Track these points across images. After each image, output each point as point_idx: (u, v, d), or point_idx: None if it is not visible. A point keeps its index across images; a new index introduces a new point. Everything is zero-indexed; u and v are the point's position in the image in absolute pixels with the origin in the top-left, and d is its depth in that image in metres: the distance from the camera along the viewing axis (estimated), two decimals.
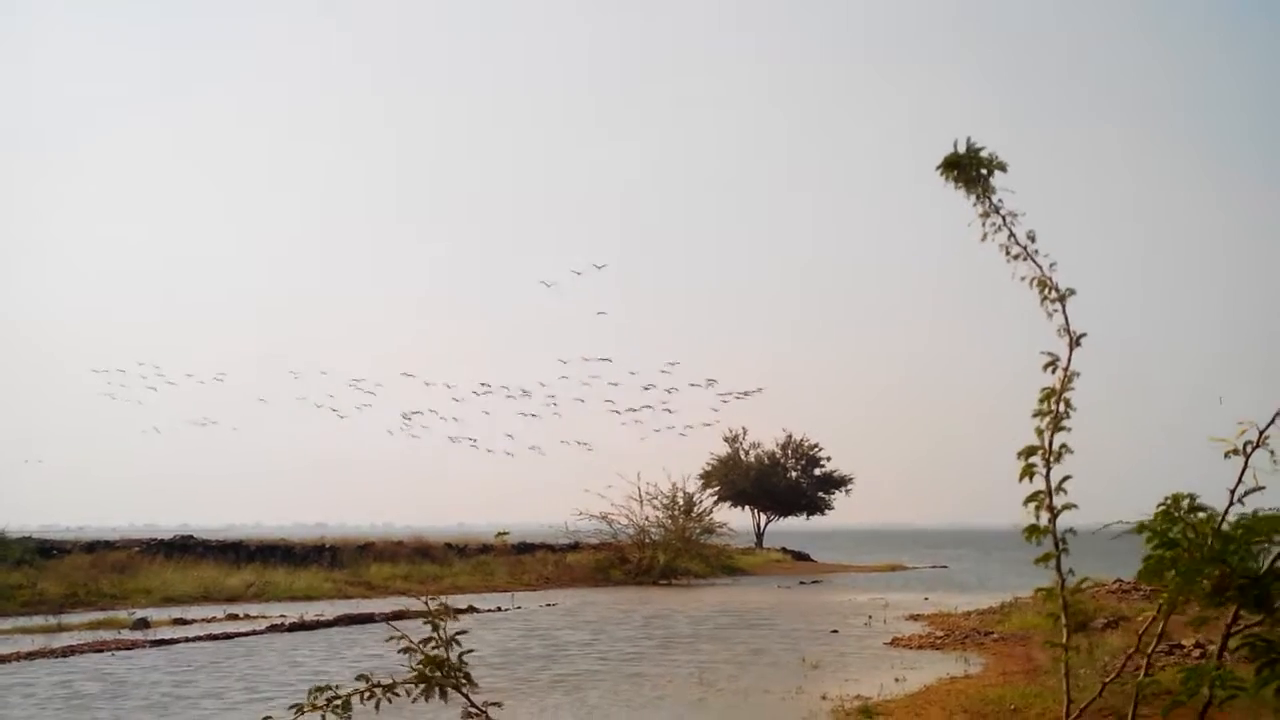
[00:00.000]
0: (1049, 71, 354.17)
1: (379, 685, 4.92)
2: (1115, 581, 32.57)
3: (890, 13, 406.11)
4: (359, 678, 5.06)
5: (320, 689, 4.69)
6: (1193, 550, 3.55)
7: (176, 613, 37.30)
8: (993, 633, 30.15)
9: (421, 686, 4.80)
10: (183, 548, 49.68)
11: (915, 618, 36.22)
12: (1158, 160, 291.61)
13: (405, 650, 4.73)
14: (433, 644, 4.66)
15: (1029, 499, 3.82)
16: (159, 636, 30.83)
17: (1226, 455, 3.75)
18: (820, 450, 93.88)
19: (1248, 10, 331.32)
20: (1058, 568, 3.85)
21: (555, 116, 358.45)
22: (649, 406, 64.19)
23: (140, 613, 35.99)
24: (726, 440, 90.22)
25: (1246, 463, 3.72)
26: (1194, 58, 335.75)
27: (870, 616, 36.45)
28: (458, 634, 4.70)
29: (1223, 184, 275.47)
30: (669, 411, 65.51)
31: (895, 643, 29.08)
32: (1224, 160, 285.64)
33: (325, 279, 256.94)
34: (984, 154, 3.94)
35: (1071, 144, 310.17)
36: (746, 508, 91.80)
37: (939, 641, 29.18)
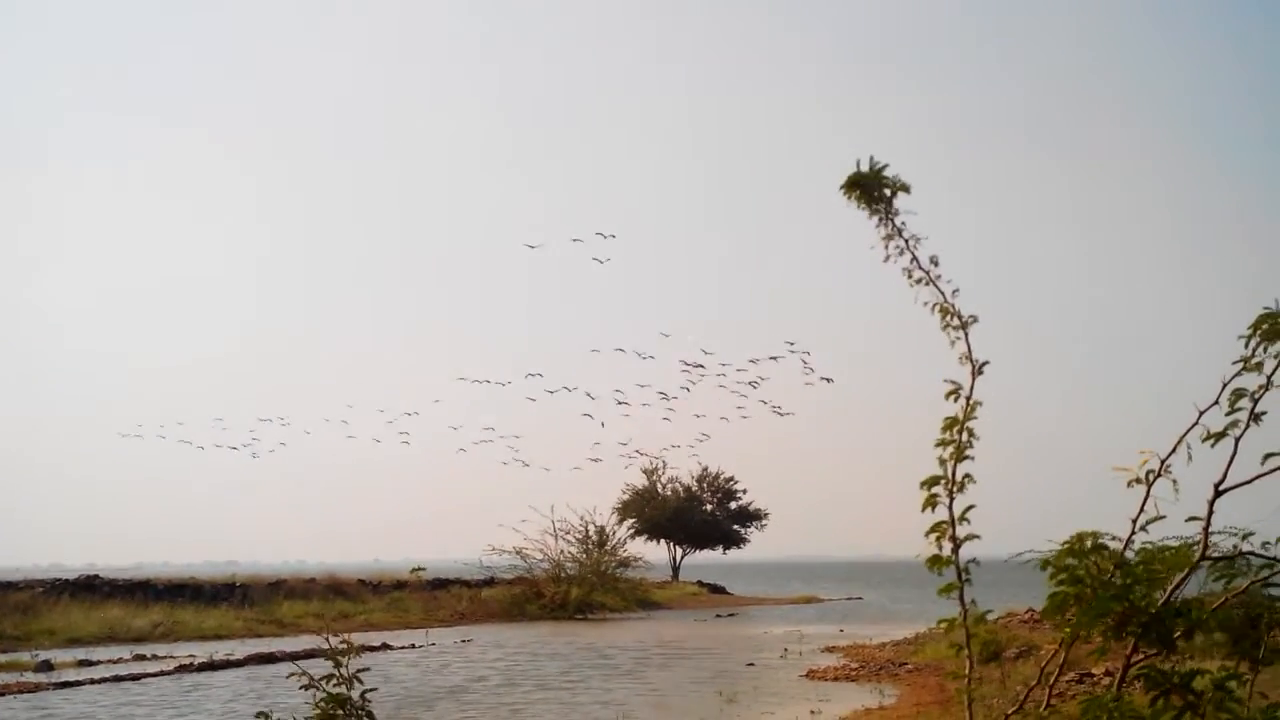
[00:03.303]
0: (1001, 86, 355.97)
1: None
2: (1027, 611, 32.86)
3: (837, 38, 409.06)
4: (259, 715, 4.94)
5: None
6: (1095, 587, 3.55)
7: (81, 654, 36.37)
8: (907, 663, 30.30)
9: None
10: (88, 588, 48.52)
11: (831, 649, 36.33)
12: (1099, 191, 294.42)
13: (307, 687, 4.63)
14: (334, 681, 4.56)
15: (931, 529, 3.80)
16: (63, 679, 30.13)
17: (1129, 484, 3.76)
18: (736, 483, 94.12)
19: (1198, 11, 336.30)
20: (960, 599, 3.84)
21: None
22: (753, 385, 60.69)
23: (44, 654, 35.07)
24: (645, 472, 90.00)
25: (1149, 492, 3.74)
26: (1157, 69, 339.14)
27: (786, 649, 36.46)
28: (359, 671, 4.61)
29: (1177, 217, 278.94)
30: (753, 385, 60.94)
31: (811, 675, 29.12)
32: (1180, 198, 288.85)
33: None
34: (888, 174, 3.90)
35: (1010, 166, 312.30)
36: (662, 541, 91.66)
37: (854, 673, 29.28)
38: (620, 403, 61.56)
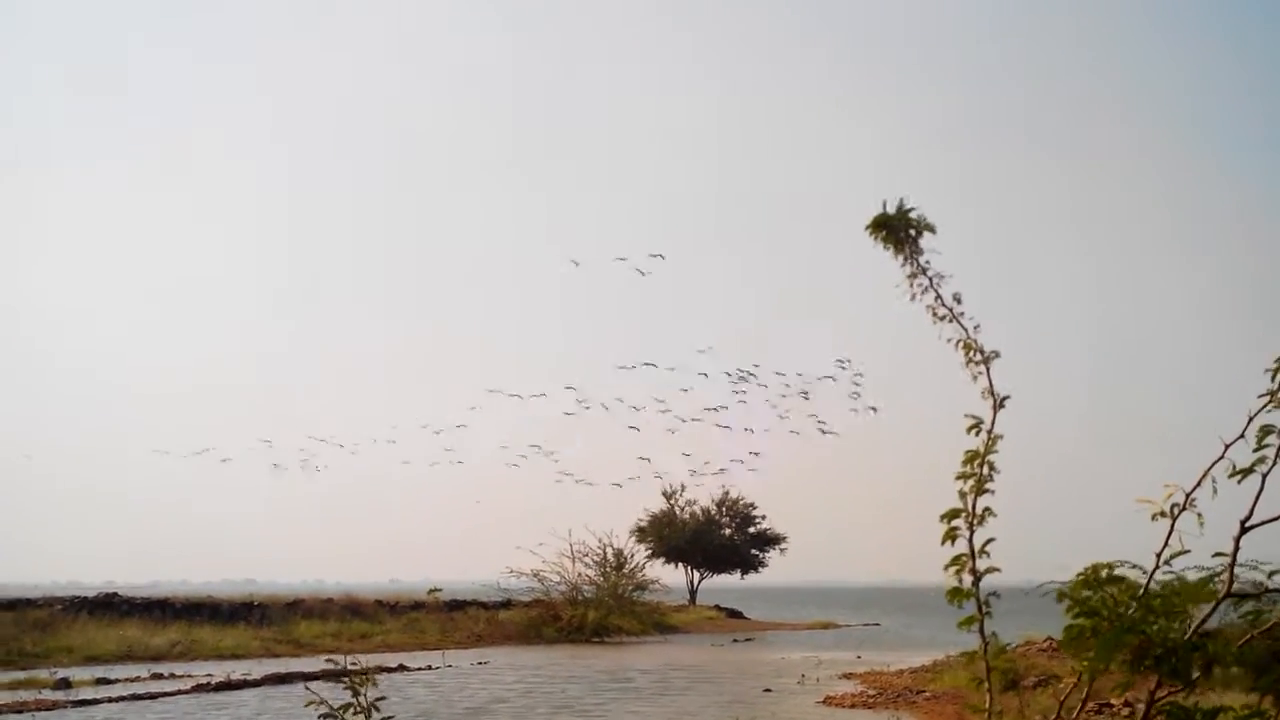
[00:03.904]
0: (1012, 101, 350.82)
1: None
2: (1046, 640, 32.70)
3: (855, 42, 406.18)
4: None
5: None
6: (1112, 619, 3.54)
7: (100, 672, 36.43)
8: (925, 691, 30.17)
9: None
10: (106, 605, 48.75)
11: (848, 676, 36.16)
12: (1125, 214, 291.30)
13: (325, 718, 4.59)
14: (352, 710, 4.52)
15: (951, 562, 3.80)
16: (81, 697, 30.19)
17: (1154, 518, 3.75)
18: (755, 509, 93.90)
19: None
20: (980, 631, 3.83)
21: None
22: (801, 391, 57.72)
23: (62, 672, 35.16)
24: (664, 495, 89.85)
25: (1173, 526, 3.73)
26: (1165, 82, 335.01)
27: (803, 675, 36.32)
28: (377, 700, 4.57)
29: (1190, 253, 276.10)
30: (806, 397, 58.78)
31: (828, 701, 29.01)
32: (1193, 231, 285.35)
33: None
34: (914, 215, 3.92)
35: (1011, 168, 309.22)
36: (680, 564, 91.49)
37: (871, 700, 29.15)
38: (663, 411, 60.52)
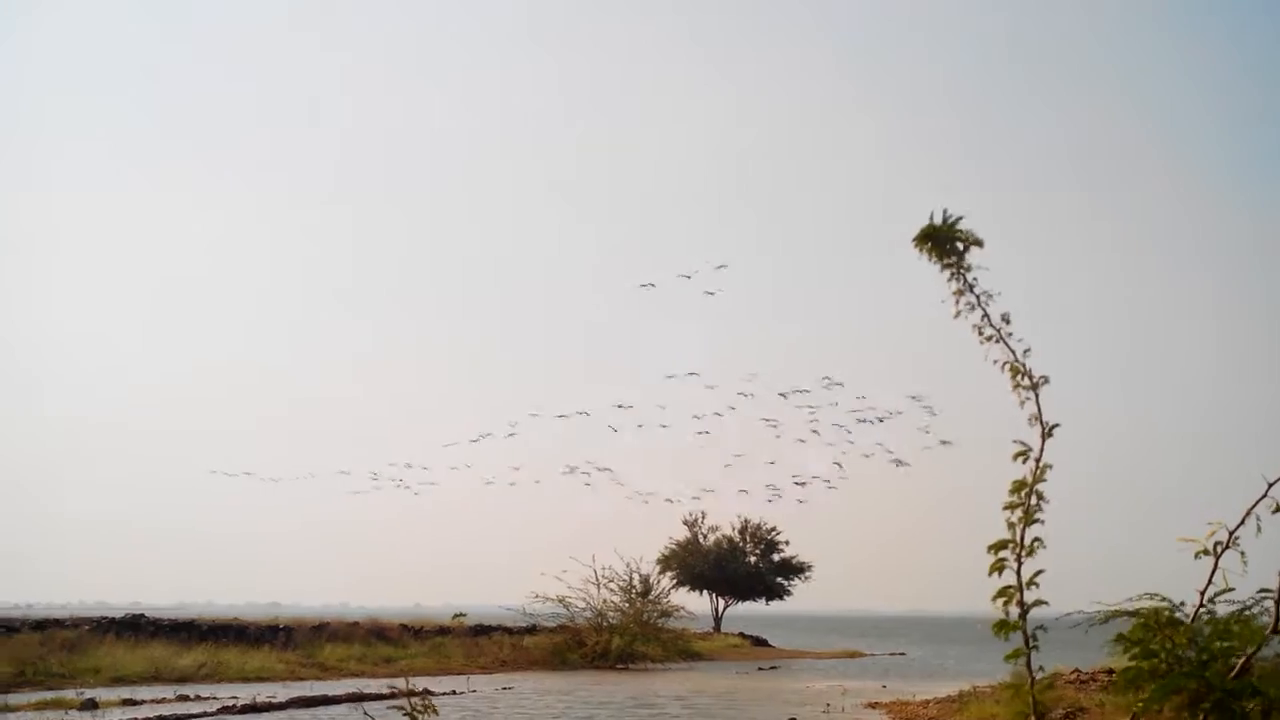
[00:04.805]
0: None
1: None
2: (1073, 671, 32.42)
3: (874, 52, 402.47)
4: None
5: None
6: (1170, 662, 3.49)
7: (126, 693, 36.48)
8: None
9: None
10: (133, 626, 48.80)
11: (874, 705, 35.92)
12: (1144, 234, 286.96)
13: None
14: None
15: (998, 594, 3.72)
16: (107, 718, 30.23)
17: (1197, 556, 3.70)
18: (779, 535, 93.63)
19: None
20: (1028, 665, 3.77)
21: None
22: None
23: (89, 693, 35.21)
24: (686, 524, 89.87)
25: (1216, 564, 3.68)
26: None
27: (829, 704, 36.09)
28: None
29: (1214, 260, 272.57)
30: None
31: None
32: (1216, 234, 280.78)
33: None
34: (961, 227, 3.82)
35: (1048, 211, 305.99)
36: (705, 592, 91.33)
37: None
38: (716, 413, 59.33)
